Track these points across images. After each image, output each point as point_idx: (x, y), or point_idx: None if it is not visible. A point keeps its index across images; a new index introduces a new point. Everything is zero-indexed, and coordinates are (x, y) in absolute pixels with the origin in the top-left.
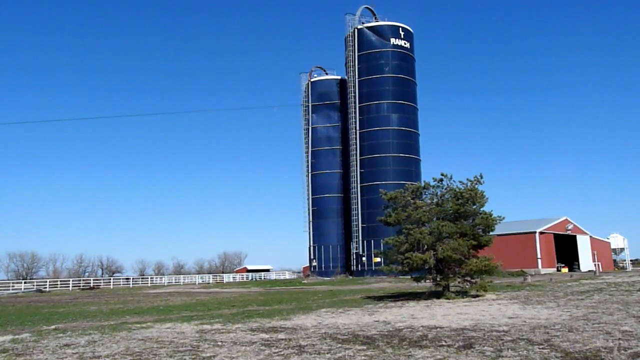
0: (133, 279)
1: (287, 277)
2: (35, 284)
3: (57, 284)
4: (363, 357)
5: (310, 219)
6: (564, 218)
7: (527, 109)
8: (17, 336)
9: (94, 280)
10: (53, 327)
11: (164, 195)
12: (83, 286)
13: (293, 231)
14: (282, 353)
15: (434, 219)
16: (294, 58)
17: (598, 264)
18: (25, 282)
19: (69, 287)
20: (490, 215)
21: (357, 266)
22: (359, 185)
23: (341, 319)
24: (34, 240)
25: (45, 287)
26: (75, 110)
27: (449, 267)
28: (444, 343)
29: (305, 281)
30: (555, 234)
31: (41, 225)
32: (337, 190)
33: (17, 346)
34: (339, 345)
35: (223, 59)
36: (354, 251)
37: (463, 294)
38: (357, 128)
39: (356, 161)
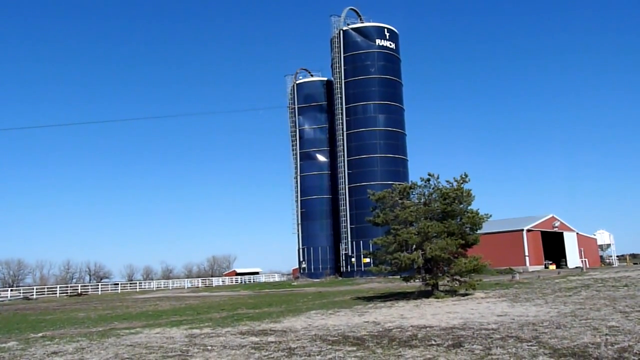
0: (121, 284)
1: (277, 279)
2: (21, 291)
3: (44, 291)
4: (353, 358)
5: (299, 221)
6: (550, 215)
7: (513, 108)
8: (3, 345)
9: (81, 286)
10: (40, 334)
11: (152, 200)
12: (71, 293)
13: (282, 233)
14: (272, 356)
15: (422, 218)
16: (279, 60)
17: (585, 261)
18: (11, 290)
19: (56, 294)
20: (477, 213)
21: (346, 267)
22: (347, 187)
23: (331, 321)
24: (20, 247)
25: (32, 295)
26: (59, 116)
27: (437, 267)
28: (433, 342)
29: (295, 283)
30: (542, 232)
31: (27, 231)
32: (325, 192)
33: (3, 355)
34: (329, 346)
35: (207, 62)
36: (343, 252)
37: (452, 292)
38: (344, 129)
39: (344, 162)
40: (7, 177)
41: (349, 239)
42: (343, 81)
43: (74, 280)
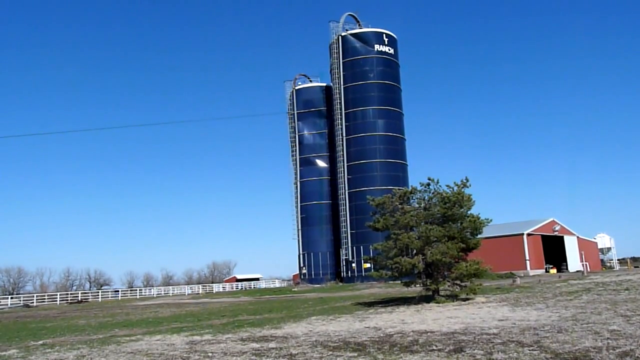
0: (121, 291)
1: (277, 285)
2: (22, 299)
3: (45, 299)
4: None
5: (299, 227)
6: (551, 219)
7: (512, 111)
8: (4, 353)
9: (81, 293)
10: (41, 342)
11: (152, 206)
12: (71, 300)
13: (282, 239)
14: None
15: (422, 223)
16: (278, 66)
17: (586, 264)
18: (11, 298)
19: (56, 301)
20: (478, 218)
21: (347, 273)
22: (347, 192)
23: (332, 326)
24: (20, 255)
25: (33, 302)
26: (59, 123)
27: (438, 271)
28: (434, 347)
29: (296, 289)
30: (542, 235)
31: (27, 239)
32: (325, 197)
33: None
34: (330, 352)
35: (207, 68)
36: (344, 258)
37: (453, 297)
38: (344, 135)
39: (343, 167)
40: (7, 184)
41: (349, 245)
42: (342, 87)
43: (74, 288)
